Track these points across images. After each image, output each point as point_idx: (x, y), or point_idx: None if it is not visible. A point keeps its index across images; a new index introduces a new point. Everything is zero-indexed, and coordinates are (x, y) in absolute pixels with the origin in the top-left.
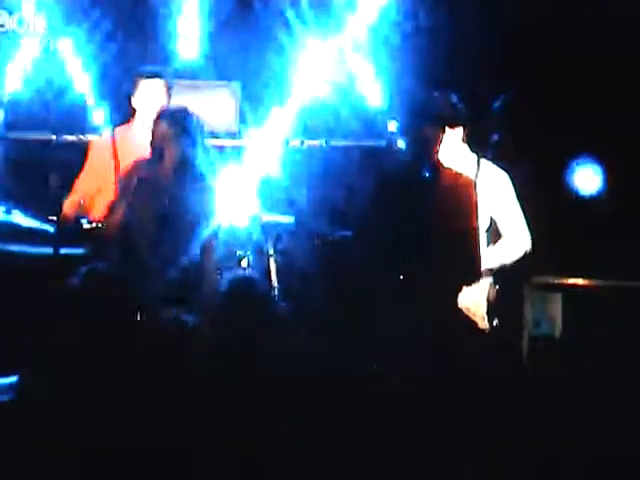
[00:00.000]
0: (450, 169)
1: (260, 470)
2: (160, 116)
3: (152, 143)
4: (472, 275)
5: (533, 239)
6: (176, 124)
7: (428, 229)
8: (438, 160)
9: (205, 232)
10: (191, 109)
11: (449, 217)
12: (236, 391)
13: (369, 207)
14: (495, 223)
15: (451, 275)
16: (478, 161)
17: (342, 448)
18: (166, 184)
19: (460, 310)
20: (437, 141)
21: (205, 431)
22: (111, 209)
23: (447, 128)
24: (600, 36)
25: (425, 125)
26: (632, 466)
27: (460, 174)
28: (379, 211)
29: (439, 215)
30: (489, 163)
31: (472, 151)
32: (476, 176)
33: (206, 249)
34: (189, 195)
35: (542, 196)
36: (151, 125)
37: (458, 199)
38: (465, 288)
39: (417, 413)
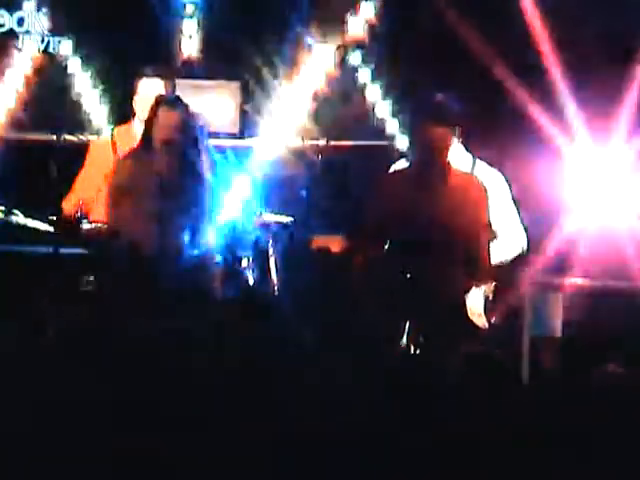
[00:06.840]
0: (459, 170)
1: None
2: (164, 102)
3: (154, 132)
4: (481, 275)
5: (529, 239)
6: (182, 113)
7: (435, 229)
8: (448, 161)
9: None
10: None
11: (459, 217)
12: None
13: (375, 206)
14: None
15: (460, 274)
16: (473, 161)
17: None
18: (173, 178)
19: (465, 308)
20: (447, 141)
21: None
22: (114, 204)
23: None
24: None
25: (435, 125)
26: (632, 466)
27: (470, 175)
28: (387, 210)
29: (449, 215)
30: (484, 163)
31: (468, 151)
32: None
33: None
34: (192, 189)
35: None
36: (150, 114)
37: (468, 200)
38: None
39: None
